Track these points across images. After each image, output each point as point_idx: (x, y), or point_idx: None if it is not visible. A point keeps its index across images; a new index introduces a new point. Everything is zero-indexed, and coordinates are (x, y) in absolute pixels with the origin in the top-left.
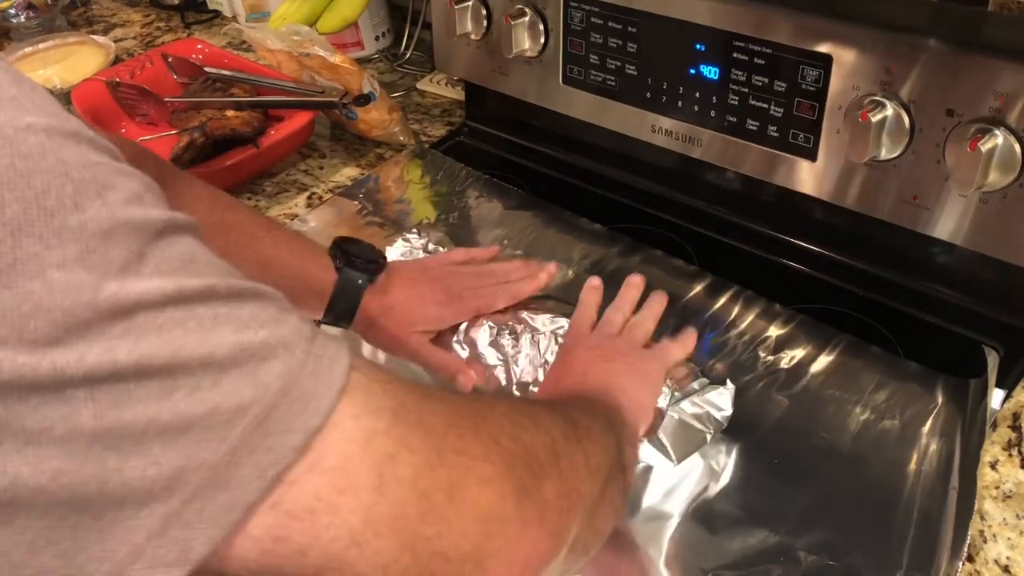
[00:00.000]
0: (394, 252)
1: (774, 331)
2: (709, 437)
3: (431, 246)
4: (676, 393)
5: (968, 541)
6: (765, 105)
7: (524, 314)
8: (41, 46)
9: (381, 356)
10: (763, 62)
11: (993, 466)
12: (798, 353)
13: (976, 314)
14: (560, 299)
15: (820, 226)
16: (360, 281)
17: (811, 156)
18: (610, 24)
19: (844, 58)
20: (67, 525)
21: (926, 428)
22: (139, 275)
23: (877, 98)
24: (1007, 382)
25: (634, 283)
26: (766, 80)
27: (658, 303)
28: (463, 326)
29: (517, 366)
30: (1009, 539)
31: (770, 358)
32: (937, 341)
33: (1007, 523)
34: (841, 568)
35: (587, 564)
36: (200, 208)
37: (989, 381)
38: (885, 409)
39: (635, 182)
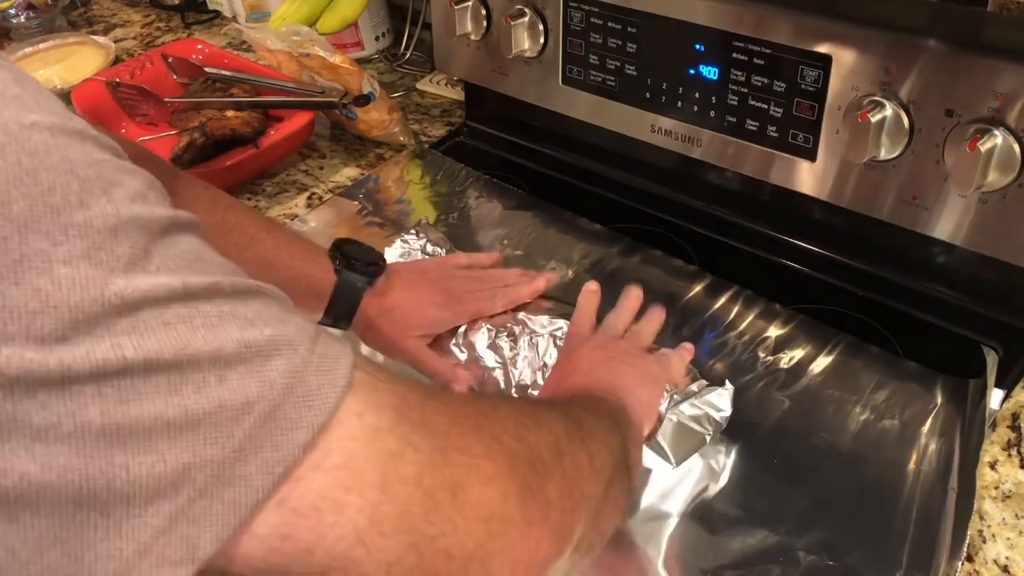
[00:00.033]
0: (392, 253)
1: (774, 331)
2: (708, 438)
3: (429, 247)
4: (675, 396)
5: (967, 541)
6: (764, 105)
7: (522, 315)
8: (41, 46)
9: (379, 358)
10: (762, 62)
11: (992, 466)
12: (797, 353)
13: (975, 314)
14: (558, 299)
15: (820, 226)
16: (359, 283)
17: (811, 156)
18: (610, 24)
19: (843, 58)
20: (74, 523)
21: (925, 428)
22: (145, 271)
23: (876, 98)
24: (1006, 382)
25: (634, 293)
26: (765, 80)
27: (657, 316)
28: (462, 329)
29: (516, 368)
30: (1008, 539)
31: (770, 358)
32: (936, 341)
33: (1006, 523)
34: (840, 568)
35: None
36: (200, 208)
37: (988, 381)
38: (884, 409)
39: (635, 182)
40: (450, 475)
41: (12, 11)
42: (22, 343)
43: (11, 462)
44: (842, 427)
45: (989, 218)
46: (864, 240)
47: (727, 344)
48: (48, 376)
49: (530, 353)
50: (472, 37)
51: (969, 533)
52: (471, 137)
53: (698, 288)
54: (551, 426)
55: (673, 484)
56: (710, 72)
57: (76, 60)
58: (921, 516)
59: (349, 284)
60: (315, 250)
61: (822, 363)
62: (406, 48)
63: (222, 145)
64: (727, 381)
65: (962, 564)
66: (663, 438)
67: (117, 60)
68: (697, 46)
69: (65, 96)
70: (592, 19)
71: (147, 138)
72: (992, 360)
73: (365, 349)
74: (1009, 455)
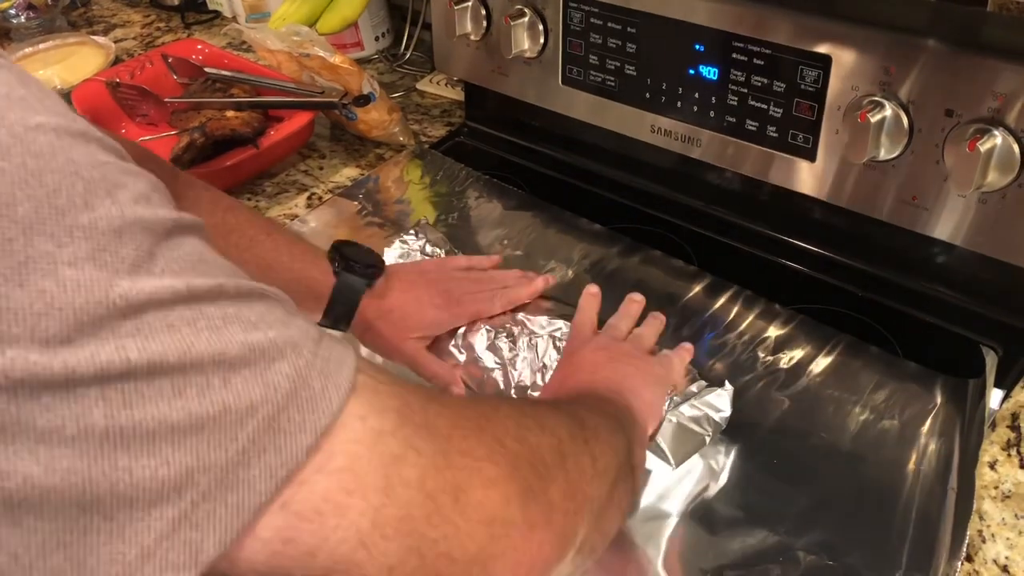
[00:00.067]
0: (392, 253)
1: (773, 331)
2: (708, 439)
3: (429, 247)
4: (675, 397)
5: (967, 541)
6: (764, 105)
7: (521, 316)
8: (41, 46)
9: (378, 359)
10: (762, 62)
11: (992, 466)
12: (797, 353)
13: (975, 314)
14: (558, 299)
15: (819, 226)
16: (358, 285)
17: (810, 156)
18: (609, 24)
19: (843, 58)
20: (77, 526)
21: (925, 428)
22: (150, 273)
23: (876, 98)
24: (1006, 382)
25: (635, 299)
26: (765, 80)
27: (658, 320)
28: (461, 330)
29: (515, 369)
30: (1008, 539)
31: (769, 358)
32: (936, 341)
33: (1006, 523)
34: (840, 568)
35: None
36: (201, 209)
37: (988, 381)
38: (884, 409)
39: (634, 182)
40: (452, 478)
41: (12, 11)
42: (27, 345)
43: (15, 465)
44: (842, 427)
45: (989, 218)
46: (864, 240)
47: (727, 344)
48: (52, 379)
49: (529, 354)
50: (472, 37)
51: (969, 533)
52: (471, 137)
53: (698, 288)
54: (554, 428)
55: (673, 484)
56: (710, 72)
57: (76, 60)
58: (921, 516)
59: (348, 286)
60: (314, 252)
61: (822, 363)
62: (406, 48)
63: (222, 145)
64: (726, 382)
65: (962, 564)
66: (663, 439)
67: (117, 60)
68: (697, 46)
69: (65, 96)
70: (592, 19)
71: (147, 138)
72: (991, 360)
73: (364, 351)
74: (1008, 455)
